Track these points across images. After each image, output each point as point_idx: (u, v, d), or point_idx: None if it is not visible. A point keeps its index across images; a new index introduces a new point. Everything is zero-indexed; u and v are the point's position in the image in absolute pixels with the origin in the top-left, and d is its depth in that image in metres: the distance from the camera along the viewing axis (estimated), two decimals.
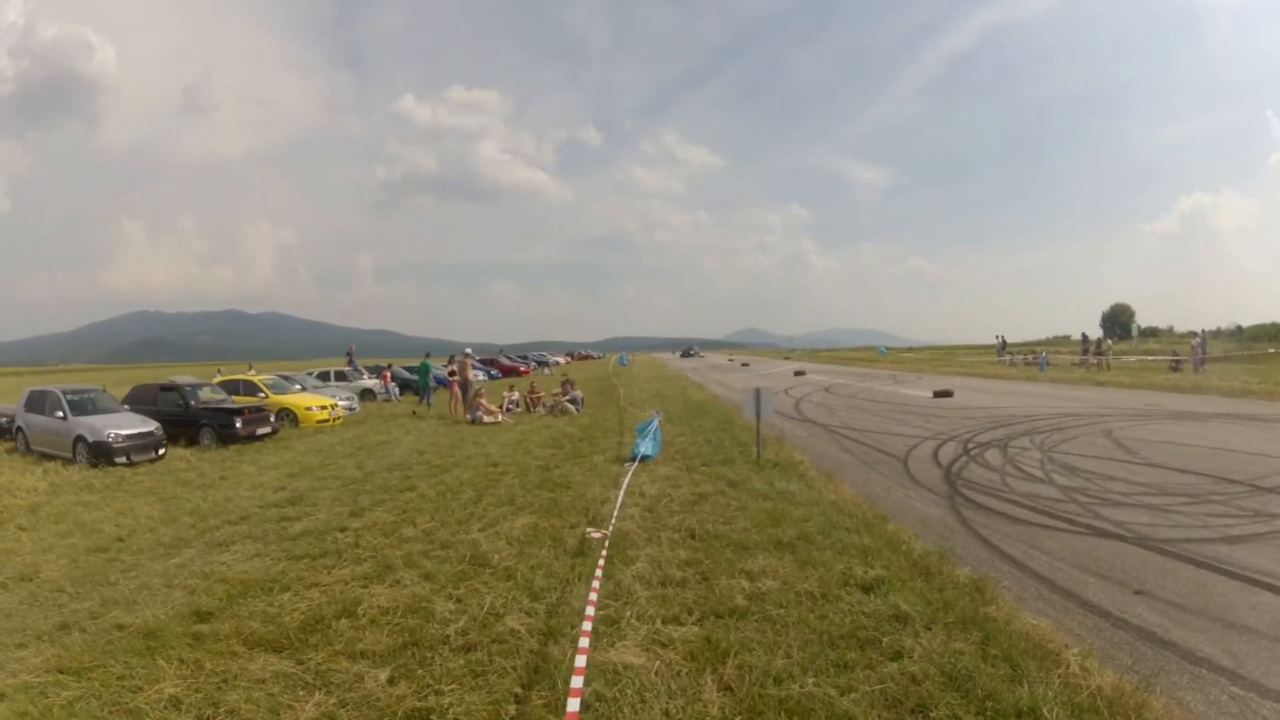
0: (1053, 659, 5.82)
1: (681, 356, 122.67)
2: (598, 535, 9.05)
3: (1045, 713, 4.94)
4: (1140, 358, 54.30)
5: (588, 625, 5.41)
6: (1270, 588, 7.73)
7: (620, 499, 10.98)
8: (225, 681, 5.69)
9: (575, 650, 5.17)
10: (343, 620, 6.85)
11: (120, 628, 6.83)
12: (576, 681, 4.56)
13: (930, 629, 6.34)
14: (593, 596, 6.20)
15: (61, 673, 5.89)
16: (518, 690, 5.33)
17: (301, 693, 5.47)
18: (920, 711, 5.08)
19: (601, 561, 7.70)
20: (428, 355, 33.79)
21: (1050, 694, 5.17)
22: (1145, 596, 7.68)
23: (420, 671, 5.76)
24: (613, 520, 9.76)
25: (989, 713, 5.00)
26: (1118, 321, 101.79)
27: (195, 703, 5.37)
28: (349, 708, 5.25)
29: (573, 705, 4.32)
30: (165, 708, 5.30)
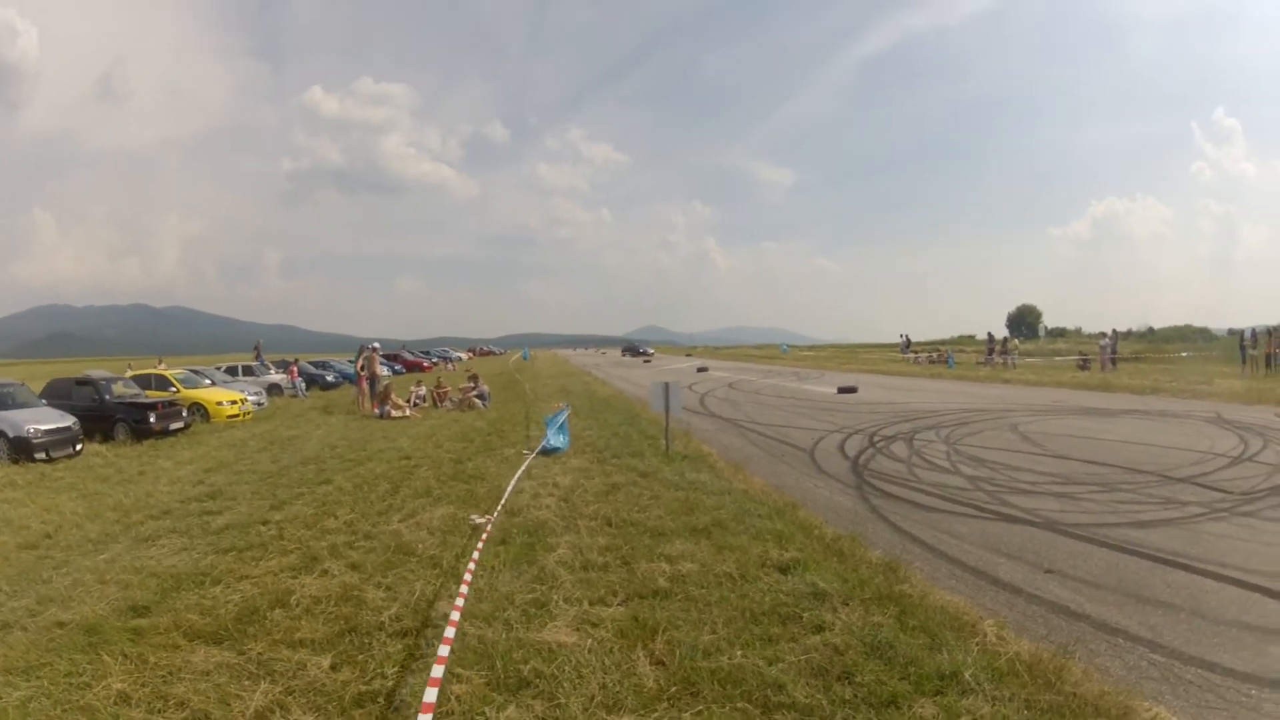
0: (969, 629, 6.17)
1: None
2: (481, 520, 9.29)
3: (967, 676, 5.25)
4: (1047, 358, 55.39)
5: (450, 630, 5.43)
6: (1184, 567, 8.11)
7: (513, 484, 11.32)
8: (171, 674, 5.75)
9: (441, 640, 5.21)
10: (277, 610, 6.95)
11: (60, 625, 6.83)
12: (437, 670, 4.66)
13: (848, 604, 6.66)
14: (464, 589, 6.39)
15: (8, 673, 5.88)
16: (459, 670, 5.50)
17: (247, 682, 5.55)
18: (846, 678, 5.36)
19: (480, 546, 7.96)
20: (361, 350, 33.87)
21: (970, 659, 5.50)
22: (1056, 575, 8.04)
23: (361, 657, 5.92)
24: (500, 504, 10.14)
25: (913, 678, 5.29)
26: (1024, 322, 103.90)
27: (144, 697, 5.41)
28: (296, 694, 5.36)
29: (430, 695, 4.33)
30: (116, 703, 5.34)
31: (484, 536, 8.39)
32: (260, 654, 6.04)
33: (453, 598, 7.02)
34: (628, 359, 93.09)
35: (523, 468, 12.49)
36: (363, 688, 5.42)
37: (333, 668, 5.76)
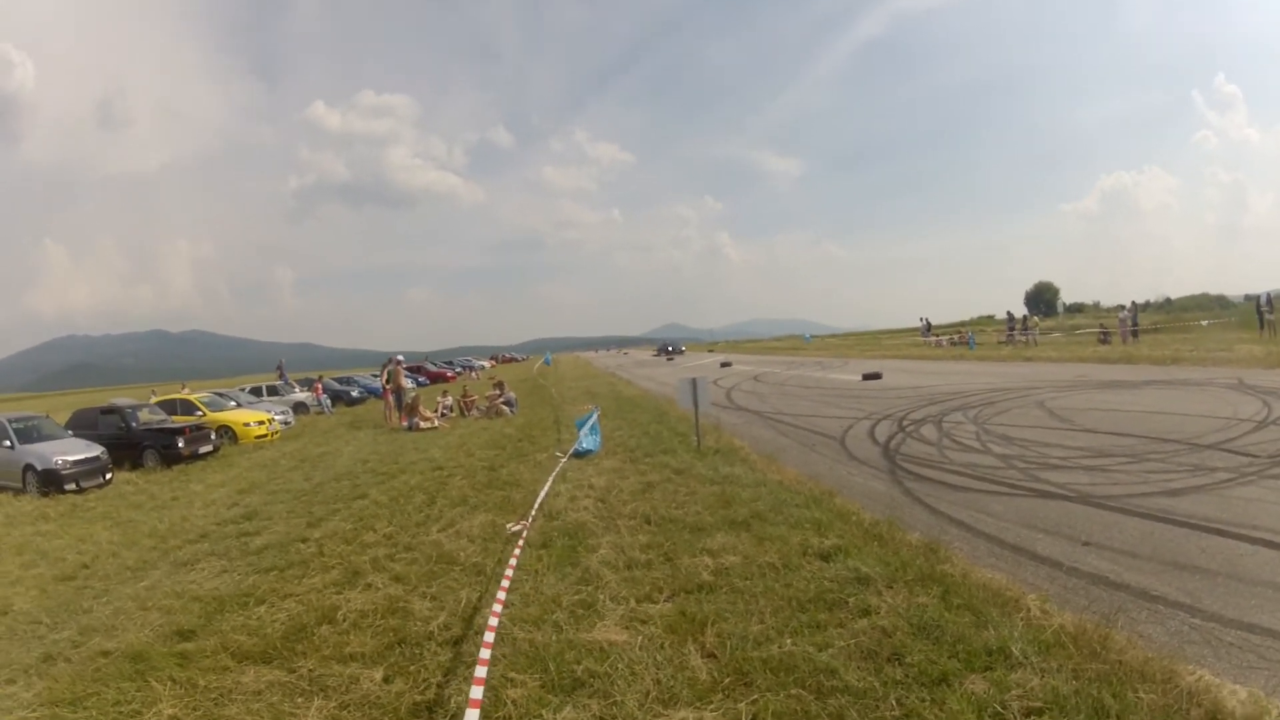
0: (1013, 605, 6.17)
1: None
2: (516, 528, 9.24)
3: (1015, 650, 5.27)
4: (1067, 334, 55.20)
5: (490, 635, 5.41)
6: (1217, 532, 8.09)
7: (545, 489, 11.25)
8: (222, 696, 5.72)
9: (479, 653, 5.25)
10: (324, 626, 6.93)
11: (105, 654, 6.79)
12: (476, 692, 4.49)
13: (892, 587, 6.66)
14: (501, 595, 6.37)
15: (56, 705, 5.83)
16: (513, 674, 5.49)
17: (300, 700, 5.53)
18: (896, 659, 5.36)
19: (516, 551, 7.89)
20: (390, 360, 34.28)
21: (1016, 634, 5.50)
22: (1094, 547, 8.03)
23: (414, 668, 5.90)
24: (534, 509, 10.06)
25: (961, 655, 5.31)
26: (1042, 299, 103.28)
27: None
28: (351, 709, 5.34)
29: (475, 693, 4.38)
30: None
31: (520, 542, 8.35)
32: (311, 671, 6.01)
33: (501, 604, 7.05)
34: (655, 359, 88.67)
35: (555, 472, 12.44)
36: (417, 698, 5.41)
37: (385, 680, 5.74)
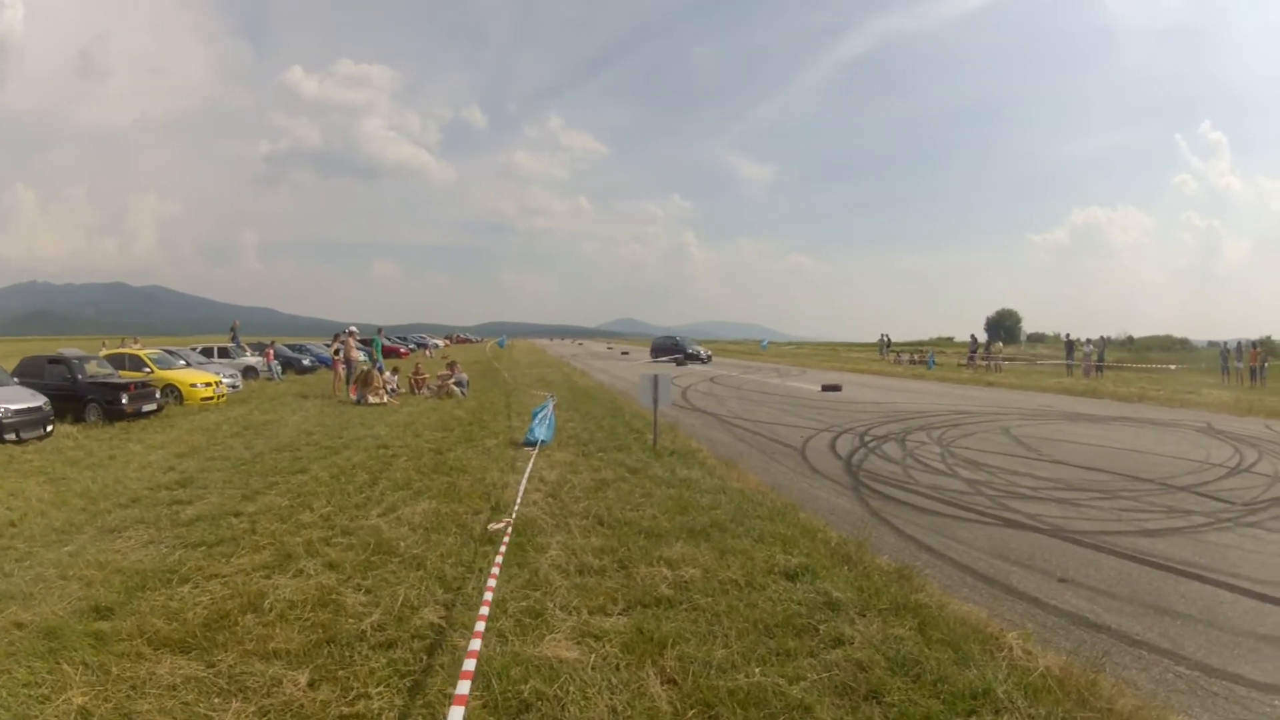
0: (994, 642, 5.95)
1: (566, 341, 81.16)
2: (499, 526, 8.72)
3: (999, 693, 5.04)
4: (1029, 362, 56.12)
5: (476, 643, 5.01)
6: (1196, 577, 8.15)
7: (523, 486, 10.76)
8: (134, 689, 5.23)
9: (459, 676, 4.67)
10: (249, 615, 6.44)
11: (19, 626, 6.28)
12: (463, 686, 4.26)
13: (865, 616, 6.39)
14: (487, 596, 5.98)
15: None
16: (450, 690, 5.00)
17: (217, 700, 5.07)
18: (874, 698, 5.08)
19: (502, 549, 7.45)
20: (379, 331, 33.97)
21: (1001, 675, 5.29)
22: (1071, 584, 7.94)
23: (342, 673, 5.42)
24: (515, 507, 9.56)
25: (944, 696, 5.08)
26: (1003, 326, 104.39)
27: (106, 713, 4.93)
28: (271, 716, 4.89)
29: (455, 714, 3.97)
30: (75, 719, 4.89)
31: (503, 546, 7.68)
32: (231, 667, 5.53)
33: (440, 605, 6.58)
34: (603, 350, 77.76)
35: (527, 471, 11.80)
36: (345, 709, 4.94)
37: (310, 685, 5.25)
